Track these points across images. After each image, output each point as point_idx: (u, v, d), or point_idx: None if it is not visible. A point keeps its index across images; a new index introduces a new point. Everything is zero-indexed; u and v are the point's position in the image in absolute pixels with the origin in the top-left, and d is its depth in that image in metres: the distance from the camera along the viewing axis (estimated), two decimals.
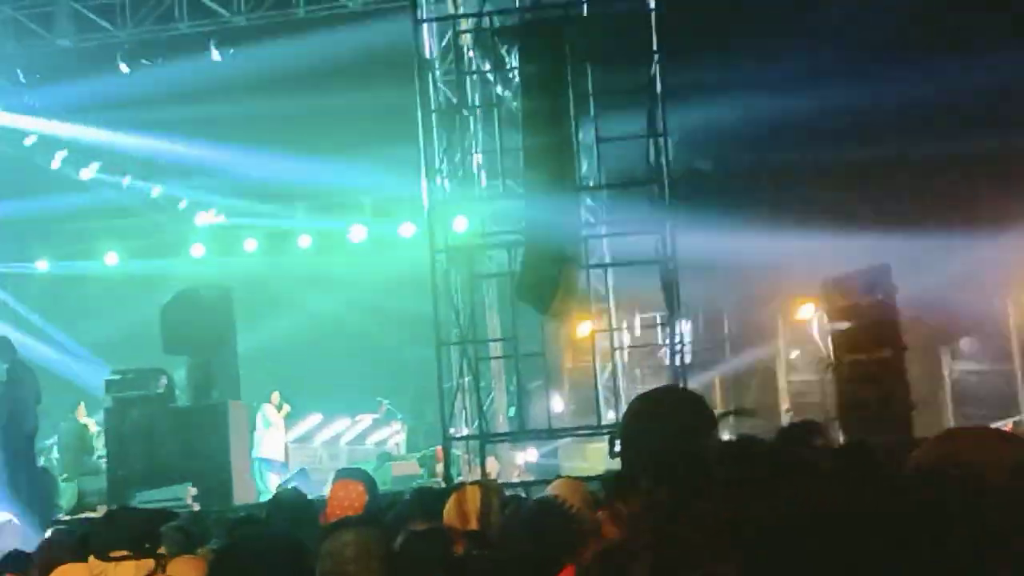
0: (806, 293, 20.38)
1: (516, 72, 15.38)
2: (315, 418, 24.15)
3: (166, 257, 24.59)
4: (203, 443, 15.25)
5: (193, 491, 14.59)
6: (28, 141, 20.08)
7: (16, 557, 7.49)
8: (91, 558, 5.62)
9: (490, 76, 16.56)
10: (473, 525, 5.50)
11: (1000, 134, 19.76)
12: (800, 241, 20.01)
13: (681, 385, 13.04)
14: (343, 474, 7.43)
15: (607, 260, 17.74)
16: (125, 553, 5.45)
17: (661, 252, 14.48)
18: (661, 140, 14.63)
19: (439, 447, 16.05)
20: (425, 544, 4.55)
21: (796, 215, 20.40)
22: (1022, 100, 20.02)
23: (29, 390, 15.29)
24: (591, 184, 16.00)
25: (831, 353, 14.30)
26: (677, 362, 14.63)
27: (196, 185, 23.84)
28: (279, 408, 20.54)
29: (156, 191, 23.82)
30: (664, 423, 2.88)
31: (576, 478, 8.52)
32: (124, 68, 17.45)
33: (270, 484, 18.73)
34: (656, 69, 14.62)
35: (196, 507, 14.27)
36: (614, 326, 18.13)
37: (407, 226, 23.41)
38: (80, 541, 6.86)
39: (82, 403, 19.41)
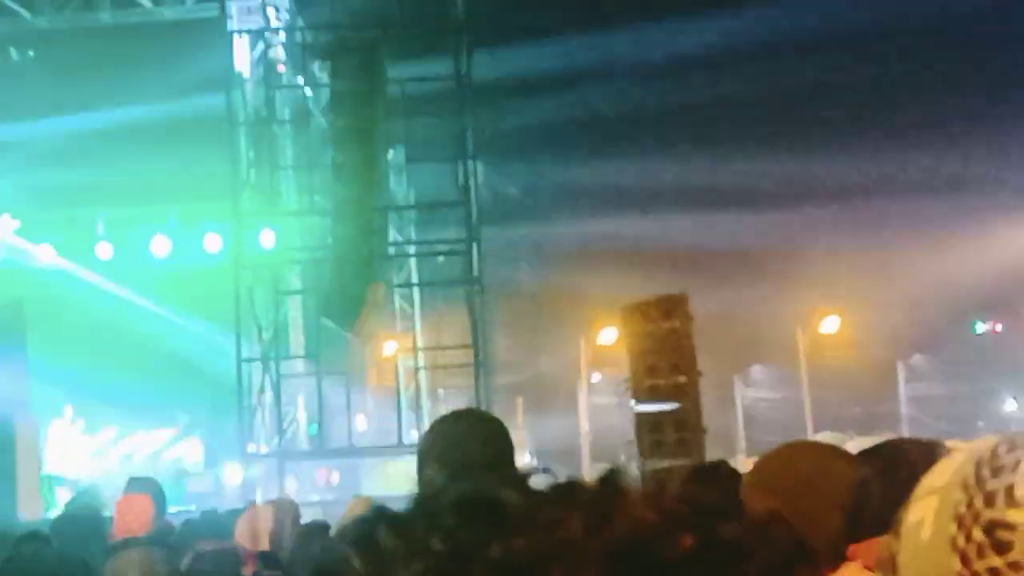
0: (608, 317, 20.81)
1: (328, 89, 15.31)
2: (110, 432, 23.43)
3: None
4: None
5: None
6: None
7: None
8: None
9: (302, 91, 16.43)
10: (264, 545, 5.43)
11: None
12: (604, 265, 20.45)
13: (483, 408, 13.17)
14: (131, 486, 7.24)
15: (414, 280, 17.78)
16: None
17: (467, 273, 14.61)
18: (470, 162, 14.78)
19: (237, 462, 15.80)
20: (213, 564, 4.47)
21: (599, 240, 20.86)
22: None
23: None
24: (400, 203, 16.04)
25: (630, 377, 14.61)
26: (481, 383, 14.74)
27: None
28: (72, 423, 19.90)
29: None
30: (462, 449, 2.91)
31: (369, 497, 8.53)
32: None
33: (60, 500, 18.09)
34: (468, 93, 14.78)
35: None
36: (419, 346, 18.16)
37: (213, 239, 22.95)
38: None
39: None
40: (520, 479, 0.89)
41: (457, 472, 2.80)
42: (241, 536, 5.65)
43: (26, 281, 22.10)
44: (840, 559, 2.48)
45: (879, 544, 1.38)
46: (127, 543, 5.42)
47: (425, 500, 0.95)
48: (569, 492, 0.95)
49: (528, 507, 0.89)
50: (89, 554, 5.66)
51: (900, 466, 2.91)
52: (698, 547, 0.82)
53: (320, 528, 6.45)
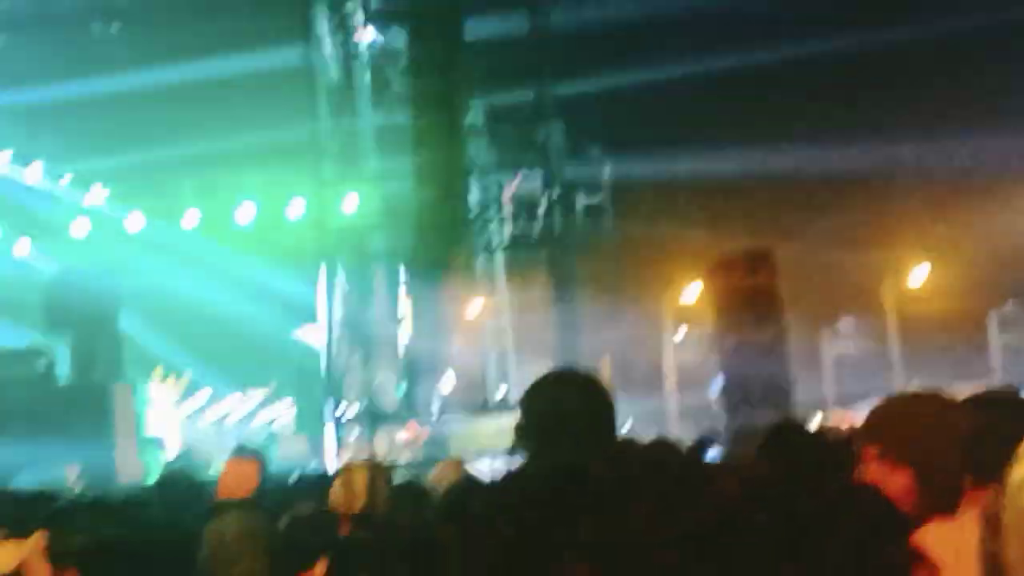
0: (693, 273, 20.72)
1: (406, 52, 15.33)
2: (204, 394, 23.90)
3: (49, 235, 24.04)
4: (86, 424, 15.01)
5: (75, 472, 14.36)
6: None
7: None
8: None
9: (381, 56, 16.46)
10: (359, 507, 5.52)
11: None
12: (687, 221, 20.34)
13: (574, 367, 13.19)
14: (237, 453, 7.40)
15: (496, 241, 17.82)
16: (4, 533, 5.37)
17: (549, 233, 14.62)
18: (550, 122, 14.76)
19: (329, 424, 16.02)
20: (309, 527, 4.56)
21: (682, 196, 20.72)
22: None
23: None
24: (480, 165, 16.07)
25: (716, 332, 14.57)
26: (567, 341, 14.77)
27: (79, 162, 23.31)
28: (168, 385, 20.31)
29: (36, 168, 23.24)
30: (561, 411, 2.88)
31: (459, 459, 8.62)
32: None
33: (158, 464, 18.50)
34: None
35: (78, 489, 14.06)
36: (504, 306, 18.24)
37: (296, 205, 23.20)
38: None
39: None
40: (614, 449, 0.91)
41: (556, 435, 2.82)
42: (336, 498, 5.74)
43: (117, 249, 22.55)
44: (956, 507, 2.49)
45: (987, 497, 1.38)
46: (227, 506, 5.54)
47: (518, 473, 0.97)
48: (659, 466, 0.96)
49: (618, 483, 0.90)
50: (190, 516, 5.81)
51: (1009, 417, 2.91)
52: (781, 522, 0.83)
53: (412, 489, 6.54)
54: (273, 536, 4.40)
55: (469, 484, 4.94)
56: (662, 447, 5.84)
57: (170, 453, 19.06)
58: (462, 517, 0.84)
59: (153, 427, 19.68)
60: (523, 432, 2.85)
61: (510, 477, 0.95)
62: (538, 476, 0.91)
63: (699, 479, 0.81)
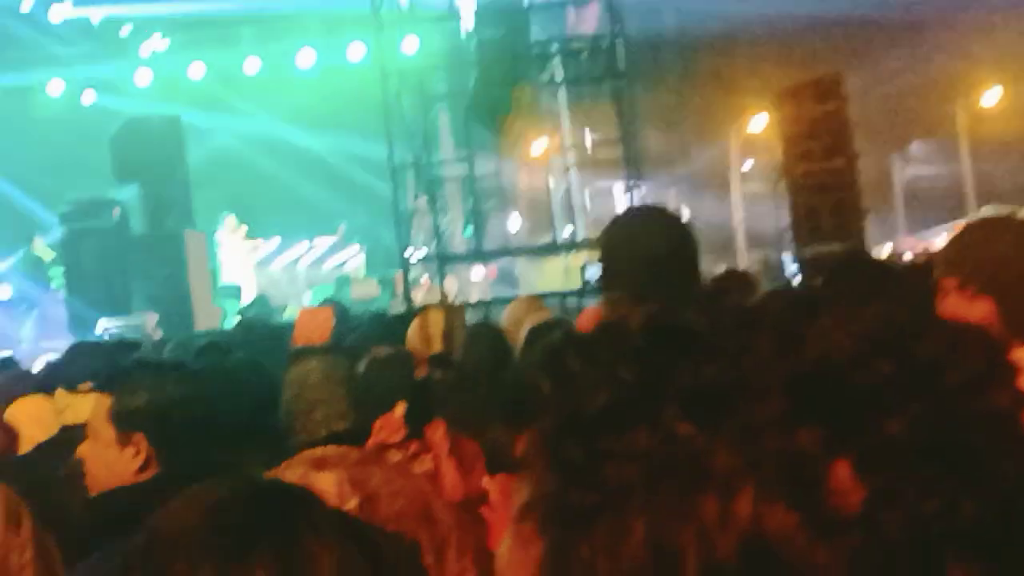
0: (760, 103, 20.38)
1: None
2: (274, 241, 24.20)
3: (110, 84, 24.15)
4: (161, 271, 15.29)
5: (154, 319, 14.67)
6: None
7: None
8: (58, 391, 5.68)
9: None
10: (436, 348, 5.60)
11: None
12: (753, 49, 19.92)
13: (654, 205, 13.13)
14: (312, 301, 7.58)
15: (559, 78, 17.59)
16: (90, 386, 5.49)
17: (612, 68, 14.40)
18: None
19: (399, 270, 16.16)
20: (388, 368, 4.63)
21: (747, 23, 20.25)
22: None
23: None
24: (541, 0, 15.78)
25: (783, 163, 14.39)
26: (631, 181, 14.67)
27: (138, 10, 23.23)
28: (239, 232, 20.56)
29: (97, 16, 23.20)
30: (644, 248, 2.84)
31: (534, 296, 8.68)
32: None
33: (234, 310, 18.85)
34: None
35: (158, 335, 14.38)
36: (567, 144, 18.11)
37: (357, 48, 23.03)
38: (46, 374, 6.93)
39: (38, 235, 19.28)
40: (706, 293, 0.90)
41: (643, 277, 2.80)
42: (413, 340, 5.83)
43: (181, 98, 22.62)
44: None
45: None
46: (306, 351, 5.63)
47: (612, 325, 0.97)
48: (759, 313, 0.95)
49: (716, 330, 0.89)
50: (269, 362, 5.92)
51: None
52: (893, 371, 0.82)
53: (487, 328, 6.62)
54: (352, 380, 4.47)
55: (565, 338, 4.98)
56: (737, 279, 5.84)
57: (245, 299, 19.40)
58: (560, 363, 0.83)
59: (227, 274, 20.00)
60: (607, 273, 2.83)
61: (605, 330, 0.93)
62: (634, 330, 0.90)
63: (803, 327, 0.80)
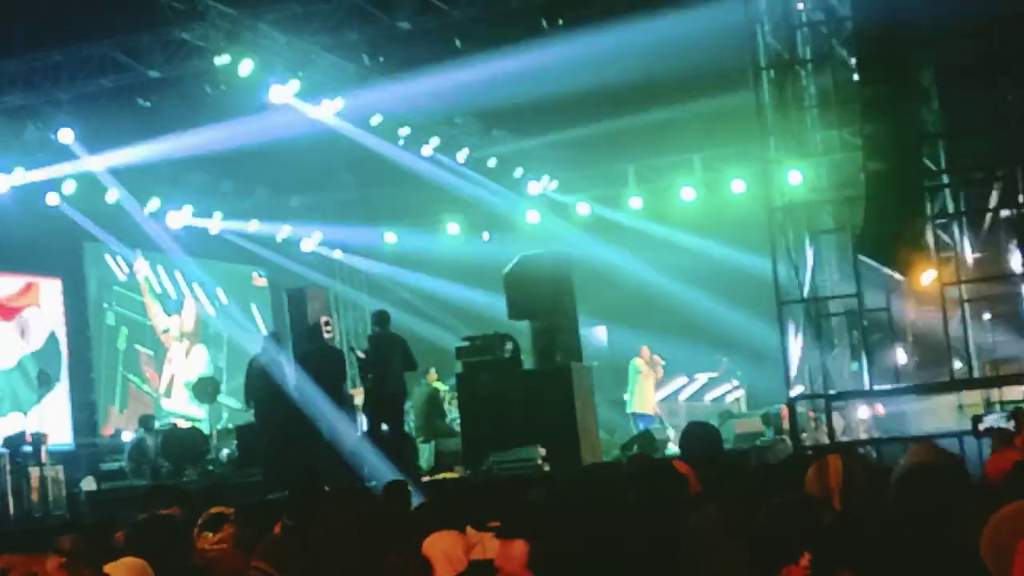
0: None
1: (850, 20, 14.91)
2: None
3: (502, 225, 25.52)
4: (549, 405, 15.69)
5: (542, 452, 15.05)
6: (374, 121, 21.05)
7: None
8: (468, 528, 5.91)
9: (822, 28, 16.07)
10: (835, 499, 5.45)
11: None
12: None
13: None
14: (692, 427, 7.64)
15: (950, 209, 16.99)
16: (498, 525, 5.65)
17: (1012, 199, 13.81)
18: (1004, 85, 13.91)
19: (783, 405, 15.91)
20: (793, 517, 4.54)
21: None
22: None
23: (394, 356, 16.22)
24: (931, 131, 15.39)
25: None
26: None
27: (528, 154, 24.50)
28: (650, 363, 20.98)
29: (491, 162, 24.62)
30: None
31: (931, 438, 8.29)
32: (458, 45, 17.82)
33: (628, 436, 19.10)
34: None
35: (546, 468, 14.74)
36: (960, 276, 17.32)
37: (737, 184, 23.25)
38: (451, 507, 7.26)
39: (433, 368, 20.33)
40: None
41: None
42: (810, 487, 5.69)
43: (565, 237, 23.59)
44: None
45: None
46: (703, 497, 5.65)
47: None
48: None
49: None
50: (667, 507, 5.93)
51: None
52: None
53: (880, 473, 6.37)
54: (754, 527, 4.43)
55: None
56: None
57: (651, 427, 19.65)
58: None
59: (636, 402, 20.54)
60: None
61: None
62: None
63: None
